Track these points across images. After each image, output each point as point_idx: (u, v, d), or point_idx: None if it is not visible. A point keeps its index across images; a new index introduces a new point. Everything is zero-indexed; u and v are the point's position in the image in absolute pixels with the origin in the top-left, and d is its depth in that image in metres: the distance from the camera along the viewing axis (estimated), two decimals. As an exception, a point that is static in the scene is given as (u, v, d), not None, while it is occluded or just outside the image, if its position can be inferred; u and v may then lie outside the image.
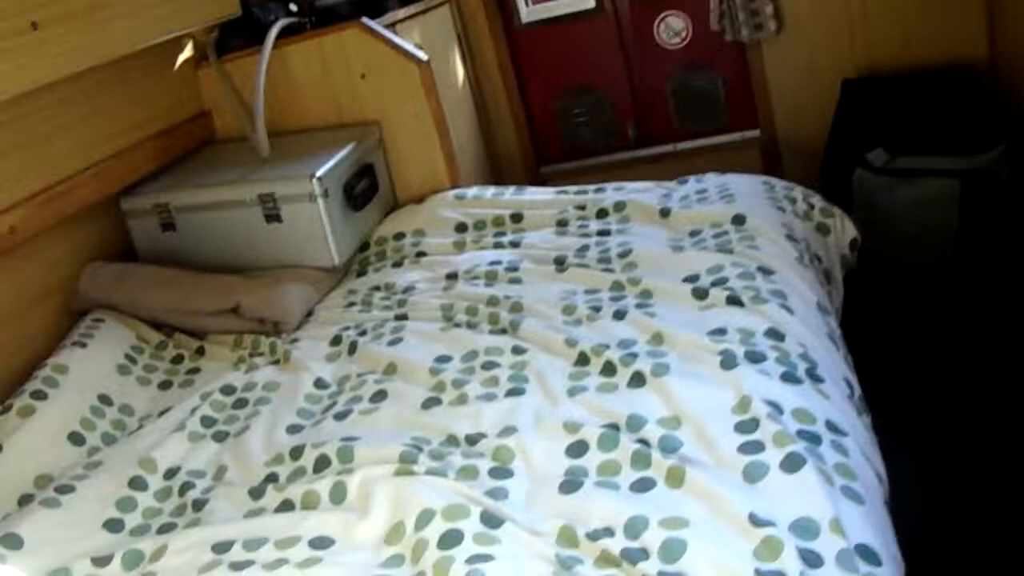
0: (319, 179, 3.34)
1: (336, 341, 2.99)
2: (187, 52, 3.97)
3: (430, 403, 2.52)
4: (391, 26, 4.14)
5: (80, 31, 3.02)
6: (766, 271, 2.76)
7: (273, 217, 3.39)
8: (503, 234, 3.46)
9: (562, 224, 3.42)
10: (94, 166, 3.41)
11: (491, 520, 1.97)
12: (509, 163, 5.26)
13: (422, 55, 3.76)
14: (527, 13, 5.16)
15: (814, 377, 2.30)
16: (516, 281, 3.08)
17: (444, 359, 2.71)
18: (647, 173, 4.75)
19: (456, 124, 4.64)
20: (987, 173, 3.73)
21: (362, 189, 3.57)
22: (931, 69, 4.42)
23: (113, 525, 2.36)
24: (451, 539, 1.94)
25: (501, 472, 2.18)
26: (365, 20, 3.80)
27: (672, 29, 4.97)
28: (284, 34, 3.83)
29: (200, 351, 3.18)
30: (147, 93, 3.73)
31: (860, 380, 2.54)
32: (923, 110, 4.09)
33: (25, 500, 2.50)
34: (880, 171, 3.85)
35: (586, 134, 5.25)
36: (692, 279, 2.80)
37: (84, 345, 3.04)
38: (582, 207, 3.47)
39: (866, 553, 1.82)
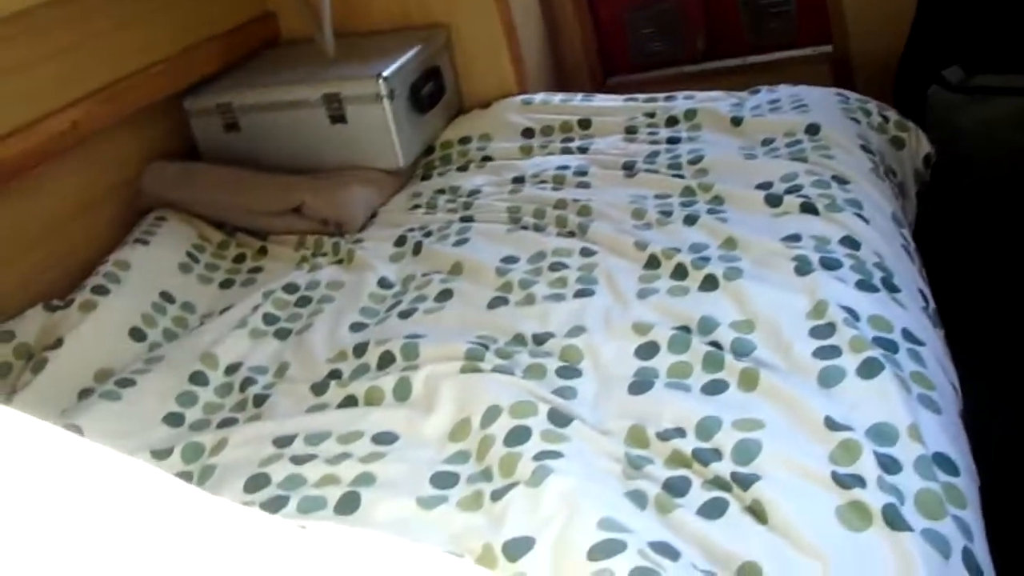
0: (385, 79, 3.28)
1: (400, 242, 2.96)
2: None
3: (497, 303, 2.49)
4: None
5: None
6: (841, 180, 2.70)
7: (338, 118, 3.35)
8: (571, 140, 3.40)
9: (631, 131, 3.35)
10: (158, 64, 3.37)
11: (559, 418, 1.94)
12: (576, 73, 5.18)
13: (494, -43, 3.69)
14: (602, -81, 5.08)
15: (890, 286, 2.24)
16: (584, 185, 3.03)
17: (511, 259, 2.67)
18: (715, 86, 4.66)
19: (524, 29, 4.57)
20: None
21: (428, 91, 3.52)
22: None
23: (173, 419, 2.35)
24: (518, 436, 1.91)
25: (569, 371, 2.15)
26: (434, -79, 3.73)
27: (748, -62, 4.88)
28: (354, -68, 3.78)
29: (263, 251, 3.16)
30: (212, -8, 3.68)
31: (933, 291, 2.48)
32: (1003, 24, 3.98)
33: (85, 394, 2.48)
34: (956, 88, 3.76)
35: (654, 46, 5.17)
36: (765, 186, 2.74)
37: (146, 242, 3.03)
38: (651, 115, 3.40)
39: (944, 462, 1.78)
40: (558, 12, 5.03)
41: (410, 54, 3.48)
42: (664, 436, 1.87)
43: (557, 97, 3.67)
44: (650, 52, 5.15)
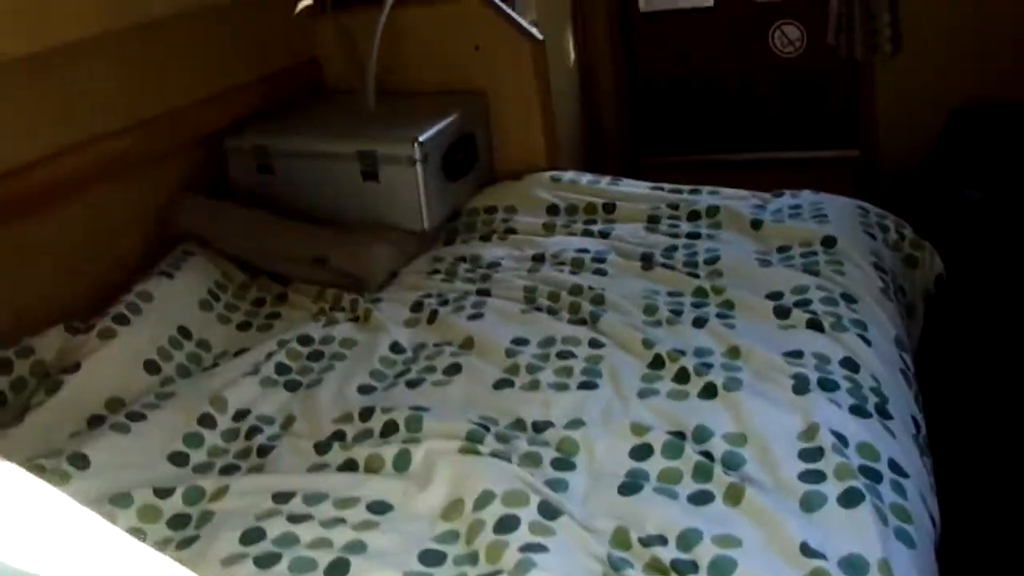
0: (421, 144, 3.35)
1: (417, 307, 3.01)
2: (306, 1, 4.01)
3: (502, 384, 2.55)
4: (510, 1, 4.14)
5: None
6: (850, 299, 2.76)
7: (370, 175, 3.42)
8: (594, 222, 3.47)
9: (653, 221, 3.42)
10: (202, 101, 3.46)
11: (549, 511, 1.99)
12: (608, 149, 5.28)
13: (538, 34, 3.78)
14: (646, 3, 5.19)
15: (883, 413, 2.30)
16: (601, 272, 3.09)
17: (521, 341, 2.72)
18: (743, 176, 4.77)
19: (560, 103, 4.63)
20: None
21: (461, 159, 3.60)
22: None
23: (178, 459, 2.40)
24: (508, 524, 1.96)
25: (564, 463, 2.20)
26: (484, -8, 3.81)
27: (787, 37, 4.97)
28: (402, -4, 3.86)
29: (282, 297, 3.23)
30: (262, 34, 3.79)
31: (926, 413, 2.55)
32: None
33: (95, 421, 2.55)
34: (975, 208, 3.83)
35: (687, 129, 5.26)
36: (775, 296, 2.80)
37: (171, 276, 3.09)
38: (675, 206, 3.47)
39: (912, 598, 1.84)
40: (597, 88, 5.11)
41: (447, 120, 3.55)
42: (646, 542, 1.92)
43: (585, 177, 3.73)
44: (682, 135, 5.24)
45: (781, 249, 3.11)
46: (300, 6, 3.97)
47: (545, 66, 3.79)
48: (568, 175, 3.75)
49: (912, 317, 3.10)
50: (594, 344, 2.66)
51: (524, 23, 3.78)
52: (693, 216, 3.41)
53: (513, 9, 4.10)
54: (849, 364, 2.46)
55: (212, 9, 3.30)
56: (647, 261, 3.13)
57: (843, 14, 4.63)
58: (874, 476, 2.07)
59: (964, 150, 4.18)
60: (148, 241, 3.34)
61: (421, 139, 3.37)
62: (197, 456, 2.43)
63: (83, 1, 2.71)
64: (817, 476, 2.05)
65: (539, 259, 3.23)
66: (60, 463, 2.27)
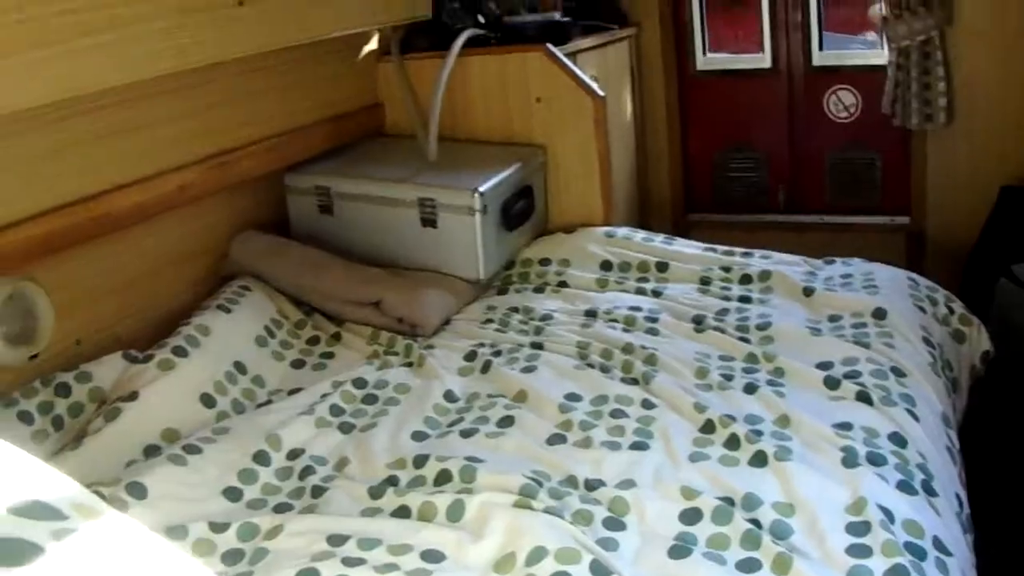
0: (481, 194, 3.41)
1: (471, 356, 3.05)
2: (372, 44, 4.08)
3: (555, 439, 2.57)
4: (572, 55, 4.19)
5: (281, 12, 3.15)
6: (899, 372, 2.78)
7: (429, 222, 3.47)
8: (646, 280, 3.51)
9: (705, 282, 3.45)
10: (266, 140, 3.53)
11: (600, 570, 2.00)
12: (658, 203, 5.32)
13: (599, 91, 3.82)
14: (703, 62, 5.24)
15: (929, 490, 2.32)
16: (653, 332, 3.12)
17: (574, 397, 2.75)
18: (791, 239, 4.84)
19: (617, 158, 4.67)
20: None
21: (519, 210, 3.65)
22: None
23: (232, 494, 2.44)
24: (559, 582, 1.99)
25: (615, 523, 2.22)
26: (550, 47, 3.86)
27: (842, 103, 5.00)
28: (468, 44, 3.91)
29: (336, 337, 3.27)
30: (327, 78, 3.85)
31: (969, 490, 2.57)
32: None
33: (151, 451, 2.59)
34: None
35: (738, 190, 5.29)
36: (826, 366, 2.83)
37: (229, 310, 3.14)
38: (727, 269, 3.50)
39: None
40: (651, 143, 5.16)
41: (507, 172, 3.62)
42: (696, 608, 1.96)
43: (639, 235, 3.76)
44: (733, 195, 5.27)
45: (832, 318, 3.14)
46: (365, 50, 4.03)
47: (605, 122, 3.84)
48: (622, 231, 3.79)
49: (957, 393, 3.10)
50: (646, 405, 2.69)
51: (586, 79, 3.83)
52: (745, 279, 3.44)
53: (575, 64, 4.15)
54: (897, 439, 2.47)
55: (279, 53, 3.35)
56: (699, 323, 3.16)
57: (899, 83, 4.66)
58: (919, 554, 2.08)
59: (1014, 227, 4.19)
60: (207, 274, 3.42)
61: (481, 190, 3.42)
62: (251, 492, 2.46)
63: (157, 45, 2.77)
64: (864, 551, 2.06)
65: (591, 314, 3.26)
66: (118, 491, 2.30)
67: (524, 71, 3.89)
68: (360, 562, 2.10)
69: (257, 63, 3.37)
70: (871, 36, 5.17)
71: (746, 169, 5.25)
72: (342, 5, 3.43)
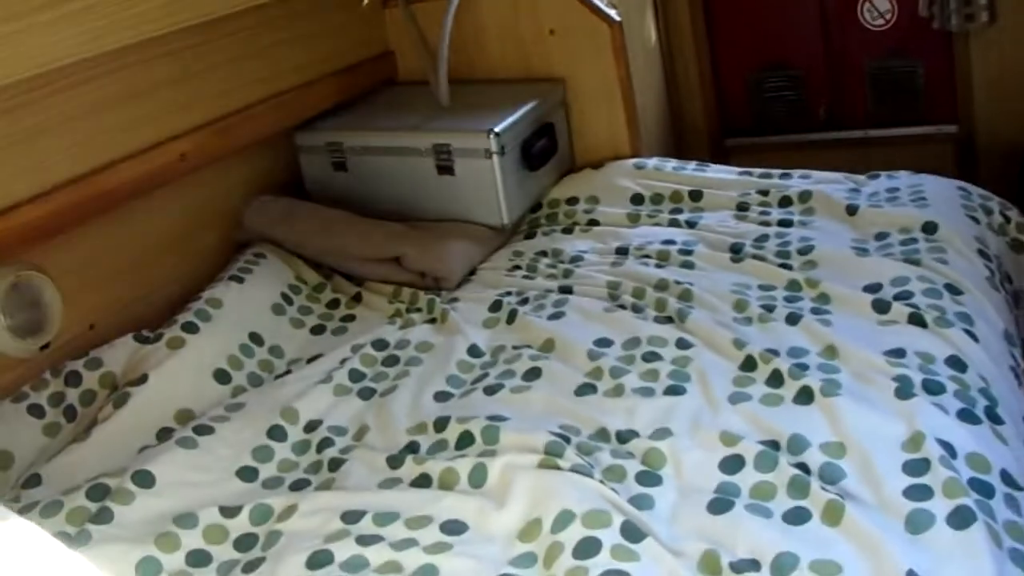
0: (497, 135, 3.25)
1: (496, 307, 2.90)
2: (378, -10, 3.91)
3: (584, 390, 2.42)
4: (586, -18, 4.03)
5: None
6: (954, 290, 2.60)
7: (446, 169, 3.32)
8: (680, 211, 3.34)
9: (742, 208, 3.27)
10: (272, 98, 3.38)
11: (632, 533, 1.87)
12: (694, 131, 5.14)
13: (615, 15, 3.64)
14: (726, -18, 5.04)
15: (993, 417, 2.14)
16: (688, 265, 2.95)
17: (604, 343, 2.59)
18: (835, 157, 4.66)
19: (642, 87, 4.50)
20: None
21: (540, 149, 3.48)
22: None
23: (247, 474, 2.32)
24: (588, 548, 1.84)
25: (649, 478, 2.07)
26: (559, -25, 3.68)
27: (877, 10, 4.78)
28: (474, -21, 3.75)
29: (357, 298, 3.14)
30: (332, 29, 3.69)
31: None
32: None
33: (164, 434, 2.48)
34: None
35: (776, 110, 5.09)
36: (874, 288, 2.65)
37: (241, 280, 3.01)
38: (765, 192, 3.32)
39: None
40: (680, 70, 5.00)
41: (524, 109, 3.44)
42: (738, 568, 1.78)
43: (670, 164, 3.59)
44: (771, 116, 5.09)
45: (879, 236, 2.95)
46: (370, -4, 3.87)
47: (624, 49, 3.65)
48: (652, 162, 3.61)
49: (1020, 307, 2.92)
50: (681, 344, 2.52)
51: (601, 5, 3.64)
52: (784, 202, 3.26)
53: (590, -10, 3.99)
54: (955, 363, 2.30)
55: (279, 5, 3.19)
56: (737, 252, 2.98)
57: (937, -19, 4.45)
58: (986, 491, 1.91)
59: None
60: (222, 243, 3.29)
61: (497, 130, 3.25)
62: (267, 471, 2.34)
63: (135, 8, 2.63)
64: (924, 492, 1.90)
65: (623, 252, 3.10)
66: (124, 481, 2.19)
67: (535, 2, 3.71)
68: (376, 539, 2.00)
69: (255, 18, 3.22)
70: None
71: (782, 88, 5.05)
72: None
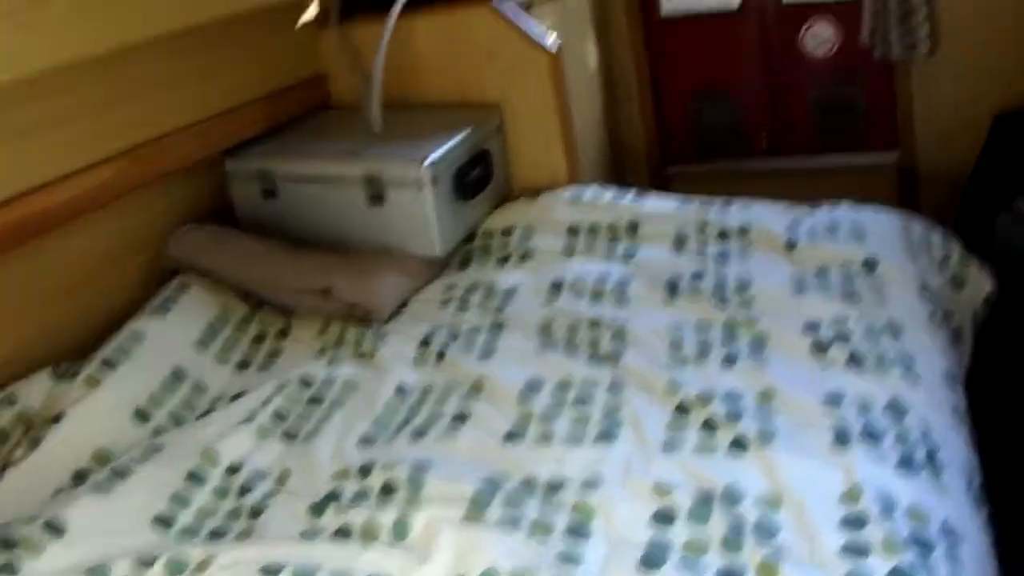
0: (429, 165, 3.17)
1: (425, 343, 2.83)
2: (311, 11, 3.82)
3: (513, 436, 2.34)
4: (526, 7, 3.95)
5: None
6: (894, 329, 2.54)
7: (377, 199, 3.24)
8: (616, 243, 3.27)
9: (680, 241, 3.21)
10: (200, 123, 3.29)
11: (561, 591, 1.80)
12: (634, 158, 5.09)
13: (552, 45, 3.57)
14: (668, 5, 4.99)
15: (934, 464, 2.08)
16: (623, 302, 2.89)
17: (535, 385, 2.52)
18: (777, 184, 4.65)
19: (583, 113, 4.48)
20: None
21: (475, 177, 3.41)
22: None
23: (163, 522, 2.23)
24: (514, 607, 1.77)
25: (579, 531, 2.00)
26: (495, 1, 3.61)
27: (819, 37, 4.75)
28: (413, 3, 3.65)
29: (284, 331, 3.06)
30: (264, 51, 3.60)
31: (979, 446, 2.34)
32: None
33: (80, 476, 2.39)
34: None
35: (717, 137, 5.06)
36: (812, 328, 2.59)
37: (165, 313, 2.92)
38: (703, 224, 3.26)
39: None
40: (621, 96, 4.96)
41: (459, 138, 3.37)
42: (668, 630, 1.72)
43: (608, 194, 3.52)
44: (712, 143, 5.06)
45: (818, 273, 2.89)
46: (304, 17, 3.78)
47: (562, 77, 3.59)
48: (589, 192, 3.55)
49: (960, 343, 2.88)
50: (614, 387, 2.45)
51: (539, 32, 3.58)
52: (723, 235, 3.19)
53: (529, 15, 3.92)
54: (894, 409, 2.24)
55: (210, 27, 3.10)
56: (673, 288, 2.92)
57: (877, 12, 4.40)
58: (926, 546, 1.85)
59: (1012, 157, 3.95)
60: (148, 271, 3.19)
61: (429, 160, 3.18)
62: (184, 518, 2.26)
63: (60, 31, 2.54)
64: (861, 550, 1.83)
65: (557, 287, 3.03)
66: (34, 531, 2.10)
67: (471, 29, 3.64)
68: (295, 595, 1.89)
69: (183, 41, 3.12)
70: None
71: (724, 115, 5.01)
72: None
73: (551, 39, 3.62)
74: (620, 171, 5.03)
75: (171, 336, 2.86)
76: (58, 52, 2.59)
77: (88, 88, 2.89)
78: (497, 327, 2.84)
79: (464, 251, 3.40)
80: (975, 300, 3.05)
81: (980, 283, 3.07)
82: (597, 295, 2.94)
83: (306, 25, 3.81)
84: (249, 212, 3.48)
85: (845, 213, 3.24)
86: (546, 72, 3.57)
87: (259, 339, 3.03)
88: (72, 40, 2.61)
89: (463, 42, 3.67)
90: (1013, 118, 4.18)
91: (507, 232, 3.42)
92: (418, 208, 3.20)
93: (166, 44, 3.03)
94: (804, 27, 4.78)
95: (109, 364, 2.66)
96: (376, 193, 3.23)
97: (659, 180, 5.05)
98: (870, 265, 2.86)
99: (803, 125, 4.92)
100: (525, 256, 3.28)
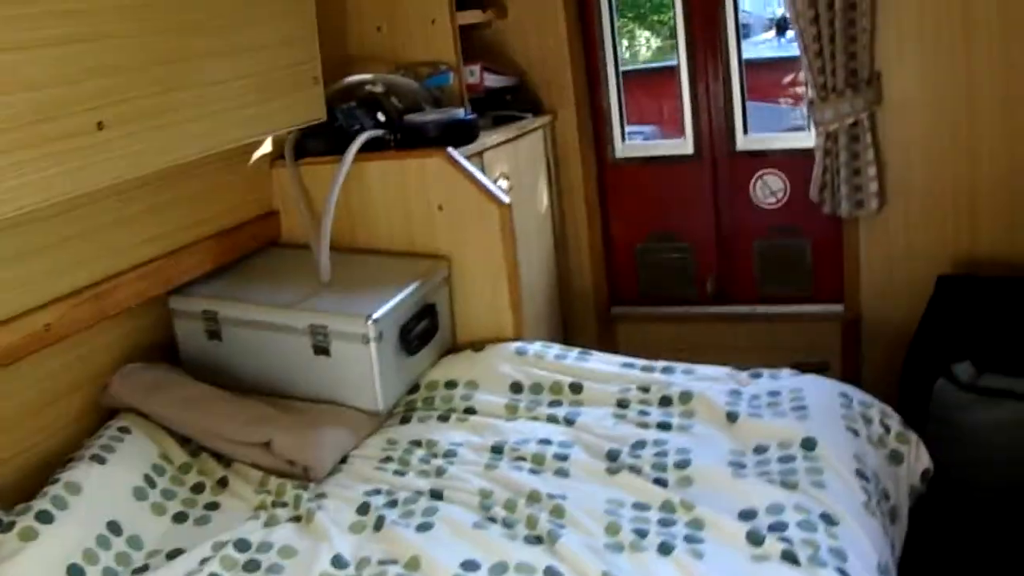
0: (375, 321, 3.19)
1: (363, 509, 2.80)
2: (264, 148, 3.83)
3: (445, 627, 2.31)
4: (479, 154, 3.98)
5: (148, 133, 2.87)
6: (829, 520, 2.54)
7: (322, 350, 3.25)
8: (559, 404, 3.28)
9: (622, 405, 3.22)
10: (148, 263, 3.30)
11: None
12: (581, 297, 5.10)
13: (504, 197, 3.59)
14: (622, 149, 5.03)
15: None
16: (563, 473, 2.88)
17: (471, 566, 2.48)
18: (721, 331, 4.70)
19: (531, 251, 4.53)
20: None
21: (420, 332, 3.43)
22: (1036, 278, 4.20)
23: None
24: None
25: None
26: (450, 151, 3.63)
27: (769, 188, 4.80)
28: (367, 147, 3.69)
29: (223, 482, 3.03)
30: (215, 190, 3.61)
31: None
32: (1019, 324, 3.86)
33: (10, 641, 2.33)
34: (965, 387, 3.63)
35: (664, 281, 5.09)
36: (749, 516, 2.58)
37: (103, 460, 2.88)
38: (646, 388, 3.27)
39: None
40: (571, 235, 5.00)
41: (405, 292, 3.39)
42: None
43: (553, 351, 3.53)
44: (659, 287, 5.10)
45: (758, 450, 2.90)
46: (257, 155, 3.79)
47: (512, 230, 3.61)
48: (534, 347, 3.56)
49: (896, 523, 2.88)
50: (549, 574, 2.43)
51: (490, 185, 3.60)
52: (665, 402, 3.21)
53: (482, 163, 3.95)
54: (827, 612, 2.23)
55: (159, 172, 3.10)
56: (613, 460, 2.92)
57: (827, 169, 4.46)
58: None
59: (952, 321, 3.98)
60: (89, 409, 3.19)
61: (375, 316, 3.20)
62: None
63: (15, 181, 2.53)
64: None
65: (498, 450, 3.03)
66: None
67: (424, 176, 3.67)
68: None
69: (131, 183, 3.10)
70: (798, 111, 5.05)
71: (672, 259, 5.04)
72: (223, 116, 3.15)
73: (503, 190, 3.64)
74: (566, 309, 5.04)
75: (108, 486, 2.82)
76: (15, 201, 2.56)
77: (40, 228, 2.91)
78: (436, 495, 2.83)
79: (407, 402, 3.40)
80: (912, 476, 3.05)
81: (917, 458, 3.08)
82: (538, 463, 2.94)
83: (260, 162, 3.82)
84: (193, 351, 3.48)
85: (786, 381, 3.26)
86: (497, 225, 3.58)
87: (197, 489, 3.01)
88: (28, 192, 2.58)
89: (415, 189, 3.69)
90: (955, 281, 4.22)
91: (450, 385, 3.42)
92: (362, 363, 3.21)
93: (113, 187, 3.01)
94: (755, 177, 4.83)
95: (45, 517, 2.62)
96: (321, 345, 3.24)
97: (604, 321, 5.10)
98: (808, 445, 2.86)
99: (750, 273, 4.96)
100: (467, 412, 3.29)
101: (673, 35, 4.96)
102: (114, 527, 2.72)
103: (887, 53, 4.38)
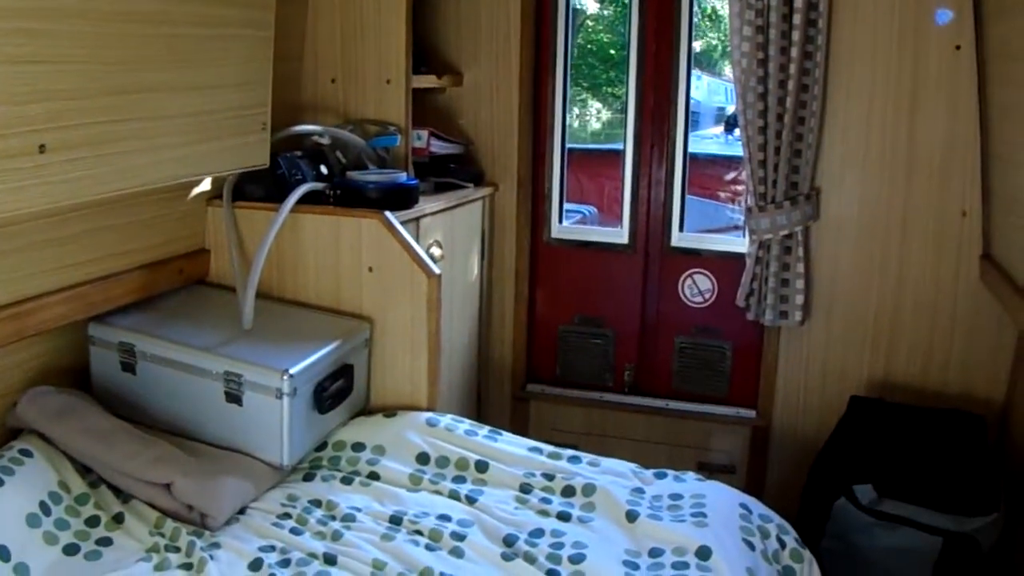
0: (291, 376, 3.19)
1: (256, 566, 2.78)
2: (203, 186, 3.82)
3: None
4: (416, 219, 3.99)
5: (89, 161, 2.86)
6: (714, 636, 2.56)
7: (234, 398, 3.24)
8: (463, 480, 3.29)
9: (525, 490, 3.23)
10: (69, 288, 3.27)
11: None
12: (499, 369, 5.11)
13: (435, 268, 3.60)
14: (558, 230, 5.05)
15: None
16: (458, 553, 2.88)
17: (351, 649, 2.48)
18: (633, 422, 4.75)
19: (455, 318, 4.55)
20: (969, 540, 3.56)
21: (334, 391, 3.43)
22: (943, 408, 4.25)
23: None
24: None
25: None
26: (388, 215, 3.65)
27: (697, 287, 4.85)
28: (305, 199, 3.70)
29: (118, 518, 3.01)
30: (149, 222, 3.59)
31: None
32: (924, 453, 3.91)
33: None
34: (863, 508, 3.67)
35: (583, 364, 5.11)
36: (635, 625, 2.59)
37: (1, 483, 2.84)
38: (551, 477, 3.28)
39: None
40: (496, 308, 5.01)
41: (325, 351, 3.39)
42: None
43: (463, 426, 3.54)
44: (577, 370, 5.13)
45: (653, 552, 2.91)
46: (195, 192, 3.78)
47: (438, 302, 3.63)
48: (445, 420, 3.56)
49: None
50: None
51: (423, 254, 3.61)
52: (567, 492, 3.22)
53: (418, 229, 3.95)
54: None
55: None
56: (510, 545, 2.92)
57: (756, 277, 4.52)
58: None
59: (859, 442, 4.02)
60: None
61: (292, 371, 3.20)
62: None
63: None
64: None
65: (397, 521, 3.03)
66: None
67: (358, 236, 3.67)
68: None
69: (65, 207, 3.09)
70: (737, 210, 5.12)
71: (593, 344, 5.06)
72: (166, 152, 3.15)
73: (435, 258, 3.66)
74: (482, 380, 5.05)
75: (3, 509, 2.78)
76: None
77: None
78: (330, 560, 2.82)
79: (312, 460, 3.40)
80: (803, 595, 3.08)
81: (809, 577, 3.10)
82: (435, 539, 2.94)
83: (197, 199, 3.81)
84: (106, 381, 3.45)
85: (690, 485, 3.28)
86: (424, 294, 3.60)
87: (92, 522, 2.97)
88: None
89: (348, 248, 3.70)
90: (867, 403, 4.28)
91: (358, 447, 3.42)
92: (272, 416, 3.20)
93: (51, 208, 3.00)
94: (685, 274, 4.87)
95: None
96: (234, 393, 3.23)
97: (518, 397, 5.11)
98: (703, 554, 2.87)
99: (668, 368, 4.99)
100: (371, 477, 3.29)
101: (624, 110, 5.00)
102: (3, 553, 2.68)
103: (829, 171, 4.47)
